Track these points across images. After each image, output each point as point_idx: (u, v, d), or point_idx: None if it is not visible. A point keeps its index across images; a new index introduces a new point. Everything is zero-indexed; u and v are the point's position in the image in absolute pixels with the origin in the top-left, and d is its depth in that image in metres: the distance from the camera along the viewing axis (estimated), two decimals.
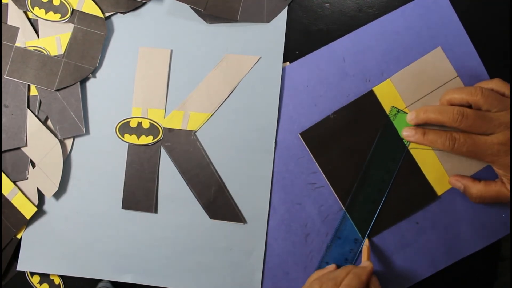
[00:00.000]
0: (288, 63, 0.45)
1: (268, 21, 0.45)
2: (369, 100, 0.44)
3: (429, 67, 0.44)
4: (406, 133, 0.42)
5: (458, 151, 0.40)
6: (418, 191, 0.44)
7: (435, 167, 0.44)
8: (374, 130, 0.44)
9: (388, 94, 0.44)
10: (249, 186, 0.45)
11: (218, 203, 0.45)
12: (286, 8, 0.45)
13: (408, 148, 0.44)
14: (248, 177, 0.45)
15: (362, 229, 0.44)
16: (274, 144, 0.45)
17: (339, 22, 0.45)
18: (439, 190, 0.44)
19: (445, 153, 0.43)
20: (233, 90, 0.45)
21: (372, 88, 0.44)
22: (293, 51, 0.45)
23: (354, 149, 0.44)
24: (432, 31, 0.44)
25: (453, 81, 0.44)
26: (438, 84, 0.44)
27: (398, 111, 0.43)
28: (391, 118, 0.44)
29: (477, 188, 0.41)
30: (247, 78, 0.45)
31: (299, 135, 0.44)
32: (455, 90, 0.40)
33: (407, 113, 0.43)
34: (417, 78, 0.44)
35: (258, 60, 0.45)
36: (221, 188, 0.45)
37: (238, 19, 0.45)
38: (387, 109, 0.44)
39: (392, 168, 0.44)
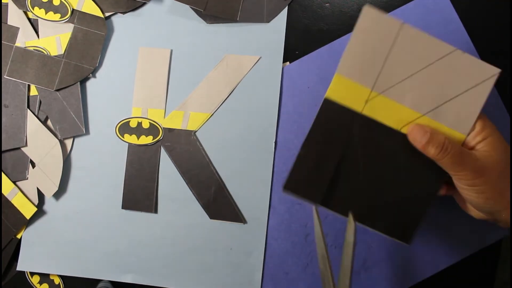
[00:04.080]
0: (288, 63, 0.45)
1: (268, 21, 0.45)
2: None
3: None
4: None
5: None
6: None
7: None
8: None
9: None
10: (249, 186, 0.45)
11: (218, 203, 0.45)
12: (286, 8, 0.45)
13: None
14: (248, 177, 0.45)
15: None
16: (274, 144, 0.45)
17: (339, 22, 0.45)
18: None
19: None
20: (233, 90, 0.45)
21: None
22: (293, 51, 0.45)
23: None
24: (432, 31, 0.44)
25: None
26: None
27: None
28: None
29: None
30: (247, 78, 0.45)
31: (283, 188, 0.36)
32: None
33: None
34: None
35: (258, 60, 0.45)
36: (221, 188, 0.45)
37: (238, 19, 0.45)
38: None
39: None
